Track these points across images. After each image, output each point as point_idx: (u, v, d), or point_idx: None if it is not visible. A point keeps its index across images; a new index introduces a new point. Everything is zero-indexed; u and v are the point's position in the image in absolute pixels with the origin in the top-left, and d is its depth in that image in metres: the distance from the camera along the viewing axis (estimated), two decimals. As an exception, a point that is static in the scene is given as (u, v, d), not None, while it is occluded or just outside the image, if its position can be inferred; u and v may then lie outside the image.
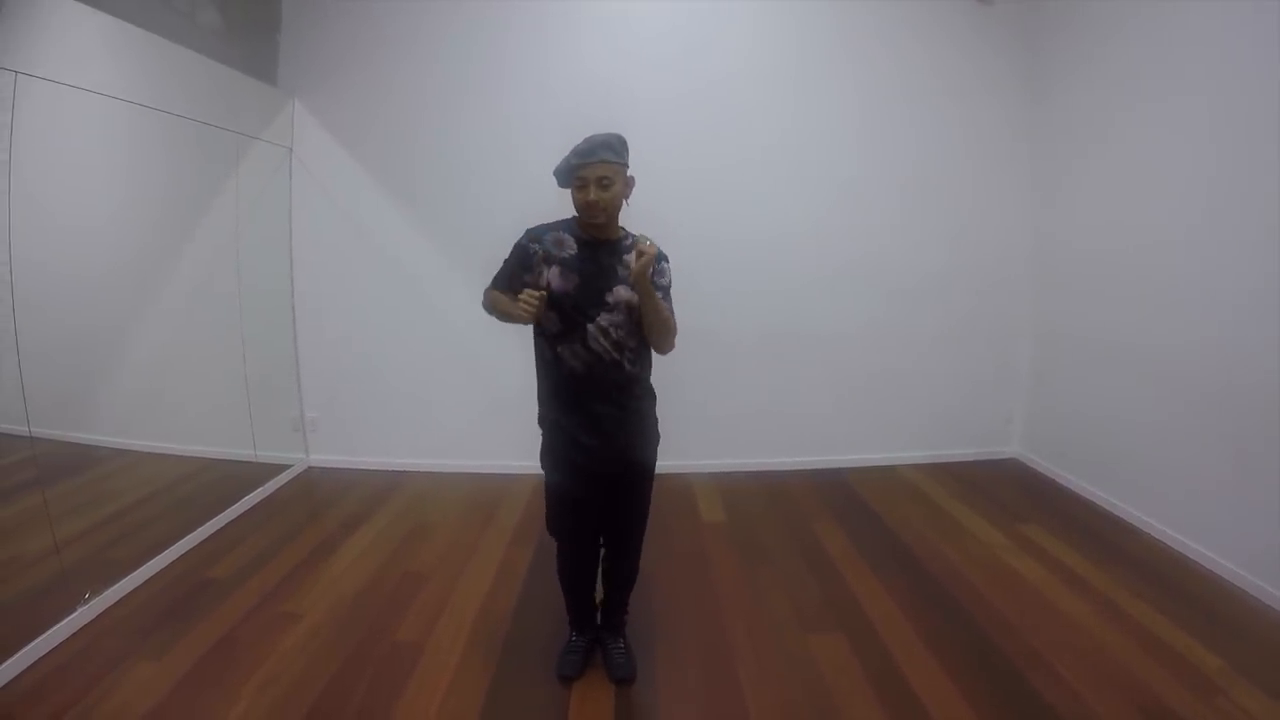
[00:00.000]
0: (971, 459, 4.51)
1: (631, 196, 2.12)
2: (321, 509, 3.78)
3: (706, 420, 4.19)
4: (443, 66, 4.04)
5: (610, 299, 2.08)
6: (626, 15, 4.05)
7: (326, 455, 4.40)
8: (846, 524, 3.59)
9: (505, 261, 2.20)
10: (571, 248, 2.11)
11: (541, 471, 2.28)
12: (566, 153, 2.06)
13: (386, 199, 4.17)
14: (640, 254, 1.95)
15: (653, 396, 2.28)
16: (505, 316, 2.13)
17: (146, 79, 3.07)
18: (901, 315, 4.35)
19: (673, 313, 2.17)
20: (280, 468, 4.15)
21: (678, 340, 2.21)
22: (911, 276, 4.31)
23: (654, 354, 2.24)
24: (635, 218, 2.20)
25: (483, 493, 4.01)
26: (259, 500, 3.83)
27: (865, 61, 4.16)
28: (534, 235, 2.16)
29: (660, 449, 2.31)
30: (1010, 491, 4.02)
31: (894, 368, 4.39)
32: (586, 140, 2.02)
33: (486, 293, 2.23)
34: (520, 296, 2.00)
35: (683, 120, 4.06)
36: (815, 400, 4.38)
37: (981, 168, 4.31)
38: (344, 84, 4.08)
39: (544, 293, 2.01)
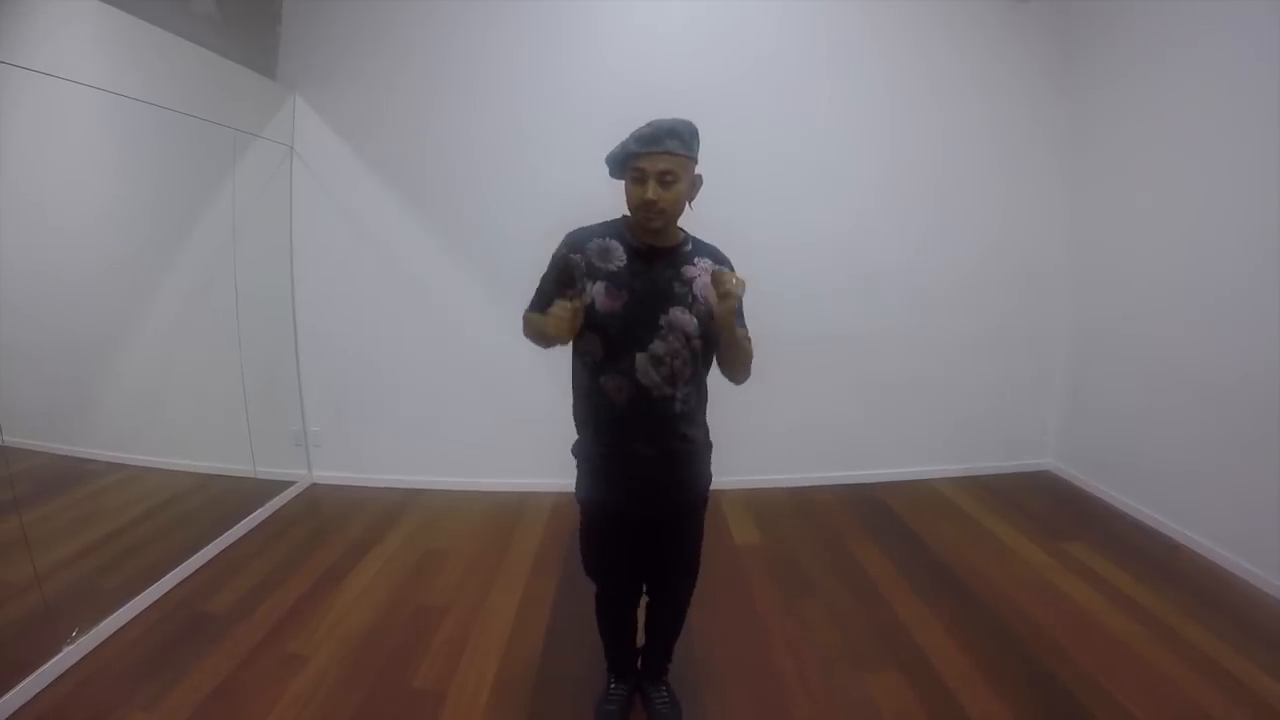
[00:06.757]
0: (1005, 471, 4.34)
1: (696, 200, 1.83)
2: (326, 531, 3.56)
3: (734, 434, 3.91)
4: (452, 60, 3.84)
5: (664, 322, 1.77)
6: (645, 10, 3.85)
7: (330, 471, 4.19)
8: (885, 543, 3.42)
9: (543, 277, 1.91)
10: (620, 258, 1.80)
11: (573, 493, 2.01)
12: (622, 140, 1.76)
13: (393, 200, 3.97)
14: (725, 294, 1.67)
15: (706, 433, 2.00)
16: (540, 338, 1.84)
17: (138, 71, 2.87)
18: (933, 322, 4.18)
19: (748, 337, 1.89)
20: (282, 485, 3.95)
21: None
22: (942, 282, 4.15)
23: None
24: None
25: (499, 512, 3.81)
26: (259, 522, 3.62)
27: (895, 60, 3.98)
28: (575, 243, 1.85)
29: None
30: (1048, 506, 3.87)
31: (926, 376, 4.22)
32: (650, 125, 1.70)
33: (524, 318, 1.93)
34: (551, 310, 1.70)
35: (705, 120, 3.76)
36: (845, 411, 4.21)
37: (1015, 170, 4.15)
38: (348, 78, 3.87)
39: (578, 303, 1.71)
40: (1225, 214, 3.12)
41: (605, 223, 1.89)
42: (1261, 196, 2.92)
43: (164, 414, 3.33)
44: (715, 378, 2.01)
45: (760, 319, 3.81)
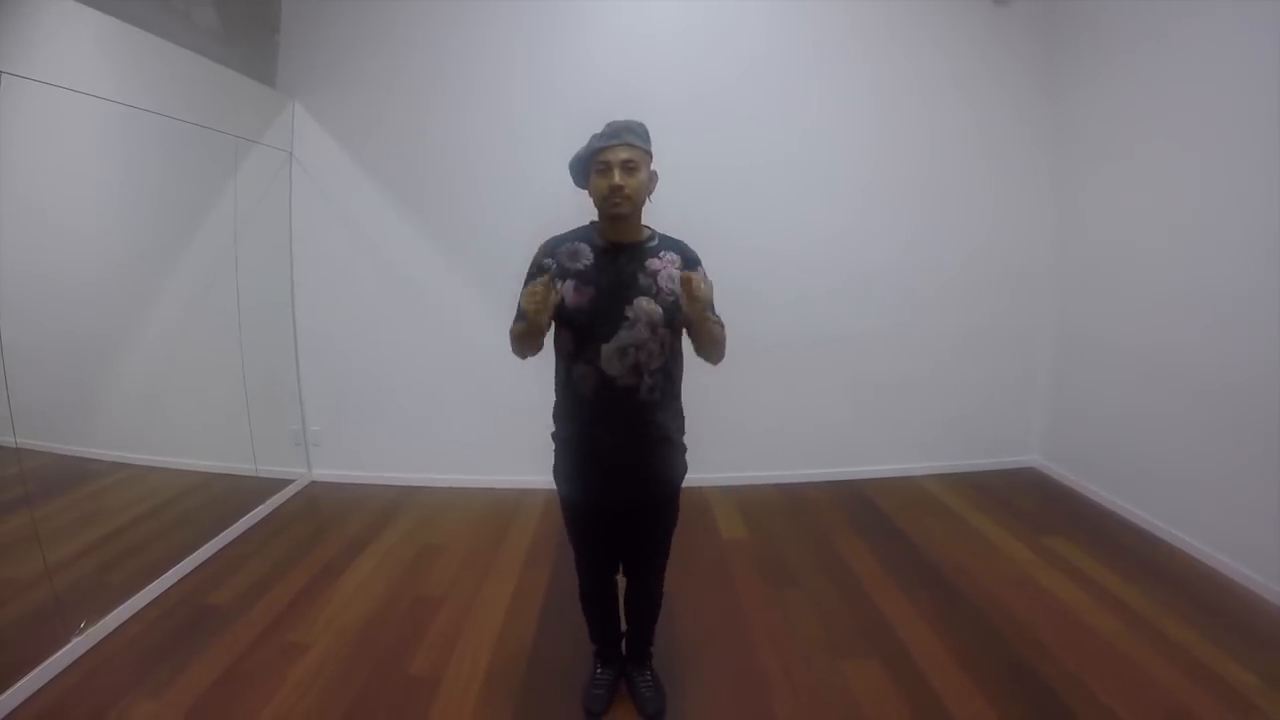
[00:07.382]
0: (990, 469, 4.38)
1: (654, 194, 1.95)
2: (326, 528, 3.63)
3: (722, 431, 4.05)
4: (449, 67, 3.90)
5: (630, 313, 1.88)
6: (637, 13, 3.92)
7: (330, 470, 4.26)
8: (870, 539, 3.47)
9: (522, 289, 1.97)
10: (587, 257, 1.92)
11: (555, 487, 2.13)
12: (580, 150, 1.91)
13: (391, 205, 4.03)
14: (693, 297, 1.78)
15: (679, 423, 2.08)
16: (522, 339, 1.91)
17: (141, 80, 2.94)
18: (922, 322, 4.22)
19: (719, 321, 1.99)
20: (282, 483, 4.02)
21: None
22: (931, 282, 4.19)
23: (683, 372, 2.07)
24: (657, 222, 2.07)
25: (494, 509, 3.87)
26: (260, 518, 3.69)
27: (880, 63, 4.04)
28: (548, 249, 1.97)
29: None
30: (1033, 503, 3.90)
31: (914, 376, 4.27)
32: (608, 124, 1.86)
33: (510, 332, 1.98)
34: (523, 293, 1.80)
35: (695, 123, 3.92)
36: (832, 410, 4.26)
37: (1001, 170, 4.19)
38: (346, 85, 3.94)
39: (548, 279, 1.81)
40: (1213, 212, 3.10)
41: (575, 229, 2.01)
42: (1249, 193, 2.90)
43: (166, 415, 3.38)
44: (690, 377, 2.09)
45: (752, 319, 3.93)
